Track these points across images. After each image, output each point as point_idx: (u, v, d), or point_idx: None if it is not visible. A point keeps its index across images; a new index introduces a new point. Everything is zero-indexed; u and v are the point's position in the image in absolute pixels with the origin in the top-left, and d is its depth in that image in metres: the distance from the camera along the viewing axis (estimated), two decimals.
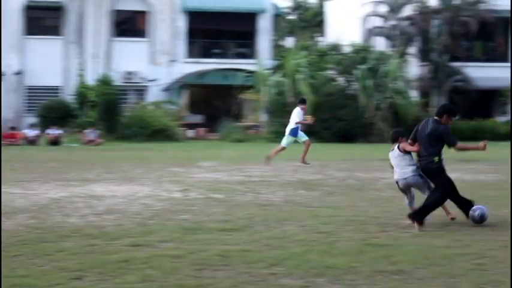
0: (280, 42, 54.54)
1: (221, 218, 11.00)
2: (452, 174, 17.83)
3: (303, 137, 20.27)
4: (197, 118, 42.50)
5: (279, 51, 46.52)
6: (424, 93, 42.24)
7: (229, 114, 39.30)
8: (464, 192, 14.19)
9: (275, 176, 17.59)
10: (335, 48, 39.38)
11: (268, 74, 39.11)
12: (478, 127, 37.85)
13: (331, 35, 49.82)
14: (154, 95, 42.27)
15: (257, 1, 45.69)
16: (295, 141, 20.42)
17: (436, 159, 10.37)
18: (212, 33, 46.32)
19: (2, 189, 13.51)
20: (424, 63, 42.07)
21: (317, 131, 35.40)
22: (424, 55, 42.18)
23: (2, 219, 10.48)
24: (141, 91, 43.33)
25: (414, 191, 10.77)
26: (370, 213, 11.72)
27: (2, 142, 30.61)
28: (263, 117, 39.37)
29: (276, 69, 40.40)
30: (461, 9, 41.03)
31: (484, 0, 41.14)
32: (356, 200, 13.33)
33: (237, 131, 38.22)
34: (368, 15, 45.58)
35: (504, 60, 45.43)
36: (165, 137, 36.41)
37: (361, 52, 36.84)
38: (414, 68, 41.68)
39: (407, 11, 42.18)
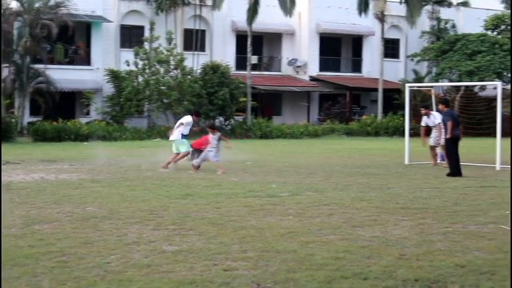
0: None
1: None
2: (36, 174, 18.62)
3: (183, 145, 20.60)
4: None
5: None
6: (7, 95, 42.05)
7: None
8: (46, 191, 14.71)
9: None
10: None
11: None
12: (61, 128, 38.75)
13: None
14: None
15: None
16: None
17: None
18: None
19: None
20: (7, 65, 41.87)
21: None
22: (6, 57, 41.98)
23: None
24: None
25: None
26: None
27: None
28: None
29: None
30: (43, 12, 41.56)
31: (65, 4, 42.14)
32: None
33: None
34: None
35: (85, 63, 47.17)
36: None
37: None
38: None
39: None
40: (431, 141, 22.76)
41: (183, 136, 20.47)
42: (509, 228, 10.43)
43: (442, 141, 21.48)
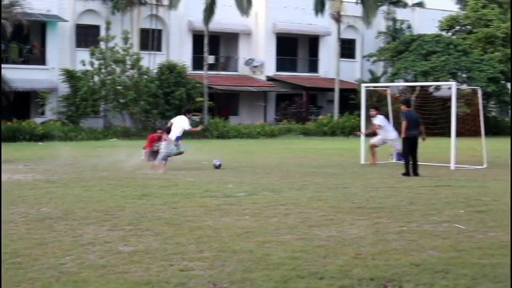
0: None
1: None
2: None
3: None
4: None
5: None
6: None
7: None
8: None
9: None
10: None
11: None
12: (16, 128, 38.40)
13: None
14: None
15: None
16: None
17: None
18: None
19: None
20: None
21: None
22: None
23: None
24: None
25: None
26: None
27: None
28: None
29: None
30: None
31: (19, 3, 41.72)
32: None
33: None
34: None
35: (40, 63, 46.70)
36: None
37: None
38: None
39: None
40: (373, 139, 23.23)
41: (178, 138, 20.52)
42: (464, 227, 10.60)
43: (389, 142, 22.45)
